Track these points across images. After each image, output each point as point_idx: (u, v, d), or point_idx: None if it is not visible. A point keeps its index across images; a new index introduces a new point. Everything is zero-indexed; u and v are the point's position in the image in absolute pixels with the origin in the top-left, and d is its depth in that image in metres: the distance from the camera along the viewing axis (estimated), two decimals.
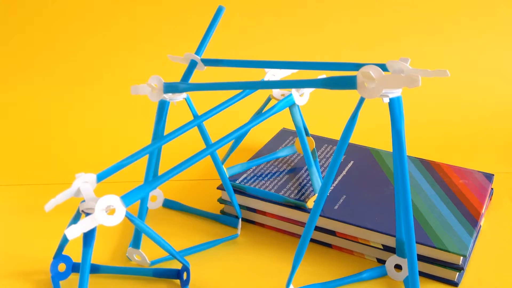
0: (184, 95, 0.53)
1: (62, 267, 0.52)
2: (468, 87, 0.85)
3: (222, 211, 0.62)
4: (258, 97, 0.64)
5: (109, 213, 0.39)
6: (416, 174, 0.62)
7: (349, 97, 0.61)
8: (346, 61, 0.48)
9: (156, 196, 0.63)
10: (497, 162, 0.72)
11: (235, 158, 0.69)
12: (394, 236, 0.52)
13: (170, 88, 0.49)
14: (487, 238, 0.57)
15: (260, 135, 0.73)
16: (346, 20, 0.90)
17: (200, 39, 0.55)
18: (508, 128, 0.79)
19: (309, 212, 0.54)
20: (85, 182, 0.41)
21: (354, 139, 0.58)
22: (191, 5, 0.89)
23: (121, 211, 0.39)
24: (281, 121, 0.71)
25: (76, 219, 0.43)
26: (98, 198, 0.38)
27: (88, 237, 0.41)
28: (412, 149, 0.62)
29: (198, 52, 0.54)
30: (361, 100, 0.41)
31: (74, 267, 0.53)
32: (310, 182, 0.61)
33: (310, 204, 0.56)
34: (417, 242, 0.51)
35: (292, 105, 0.55)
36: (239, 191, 0.59)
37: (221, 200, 0.61)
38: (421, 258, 0.52)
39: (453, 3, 0.90)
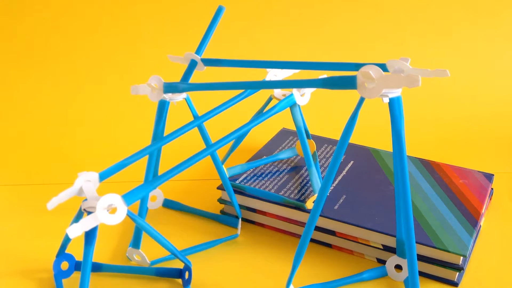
0: (184, 95, 0.53)
1: (64, 265, 0.52)
2: (468, 87, 0.85)
3: (222, 211, 0.62)
4: (259, 97, 0.64)
5: (110, 212, 0.39)
6: (416, 174, 0.62)
7: (349, 97, 0.61)
8: (346, 61, 0.48)
9: (156, 196, 0.63)
10: (497, 162, 0.72)
11: (235, 158, 0.69)
12: (394, 236, 0.52)
13: (170, 88, 0.49)
14: (487, 238, 0.57)
15: (260, 135, 0.73)
16: (346, 20, 0.90)
17: (200, 39, 0.55)
18: (508, 128, 0.79)
19: (309, 212, 0.54)
20: (87, 181, 0.41)
21: (354, 139, 0.58)
22: (191, 5, 0.89)
23: (122, 210, 0.39)
24: (281, 121, 0.72)
25: (78, 217, 0.43)
26: (100, 197, 0.38)
27: (90, 236, 0.41)
28: (412, 149, 0.62)
29: (198, 52, 0.54)
30: (361, 100, 0.41)
31: (77, 266, 0.53)
32: (310, 182, 0.61)
33: (309, 205, 0.56)
34: (417, 242, 0.51)
35: (293, 105, 0.55)
36: (239, 191, 0.60)
37: (221, 200, 0.61)
38: (421, 258, 0.52)
39: (453, 3, 0.90)
